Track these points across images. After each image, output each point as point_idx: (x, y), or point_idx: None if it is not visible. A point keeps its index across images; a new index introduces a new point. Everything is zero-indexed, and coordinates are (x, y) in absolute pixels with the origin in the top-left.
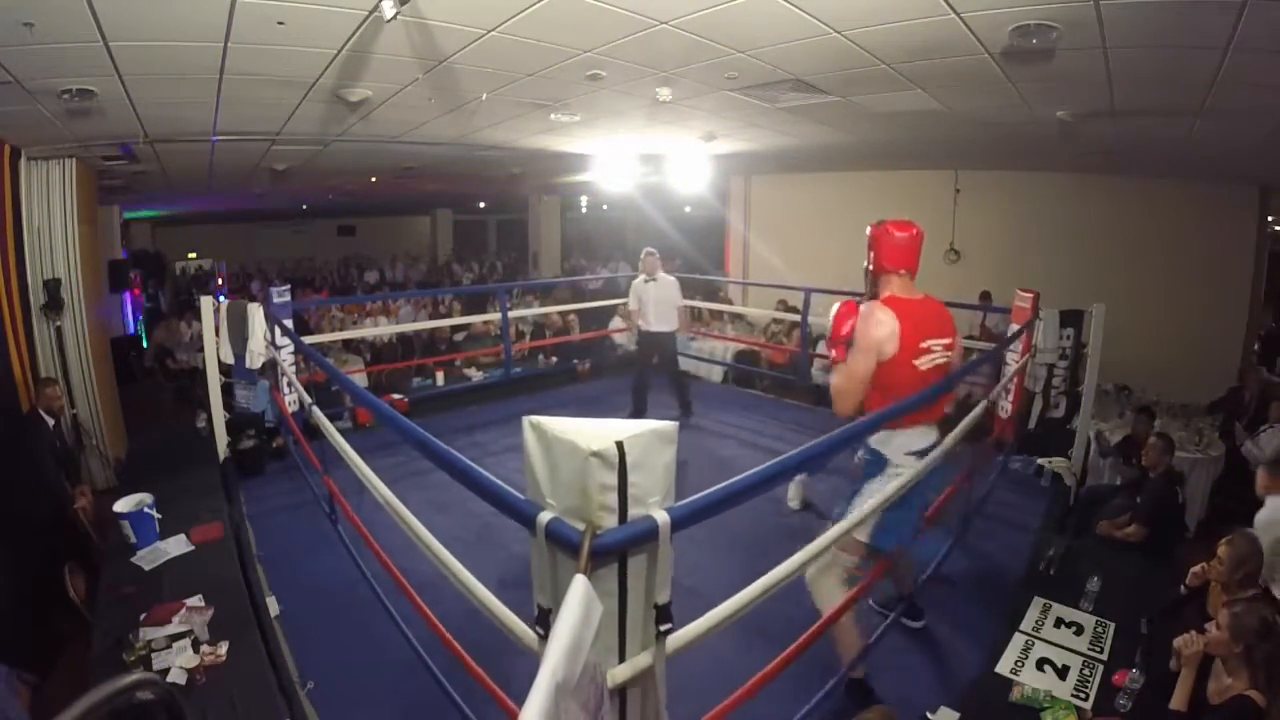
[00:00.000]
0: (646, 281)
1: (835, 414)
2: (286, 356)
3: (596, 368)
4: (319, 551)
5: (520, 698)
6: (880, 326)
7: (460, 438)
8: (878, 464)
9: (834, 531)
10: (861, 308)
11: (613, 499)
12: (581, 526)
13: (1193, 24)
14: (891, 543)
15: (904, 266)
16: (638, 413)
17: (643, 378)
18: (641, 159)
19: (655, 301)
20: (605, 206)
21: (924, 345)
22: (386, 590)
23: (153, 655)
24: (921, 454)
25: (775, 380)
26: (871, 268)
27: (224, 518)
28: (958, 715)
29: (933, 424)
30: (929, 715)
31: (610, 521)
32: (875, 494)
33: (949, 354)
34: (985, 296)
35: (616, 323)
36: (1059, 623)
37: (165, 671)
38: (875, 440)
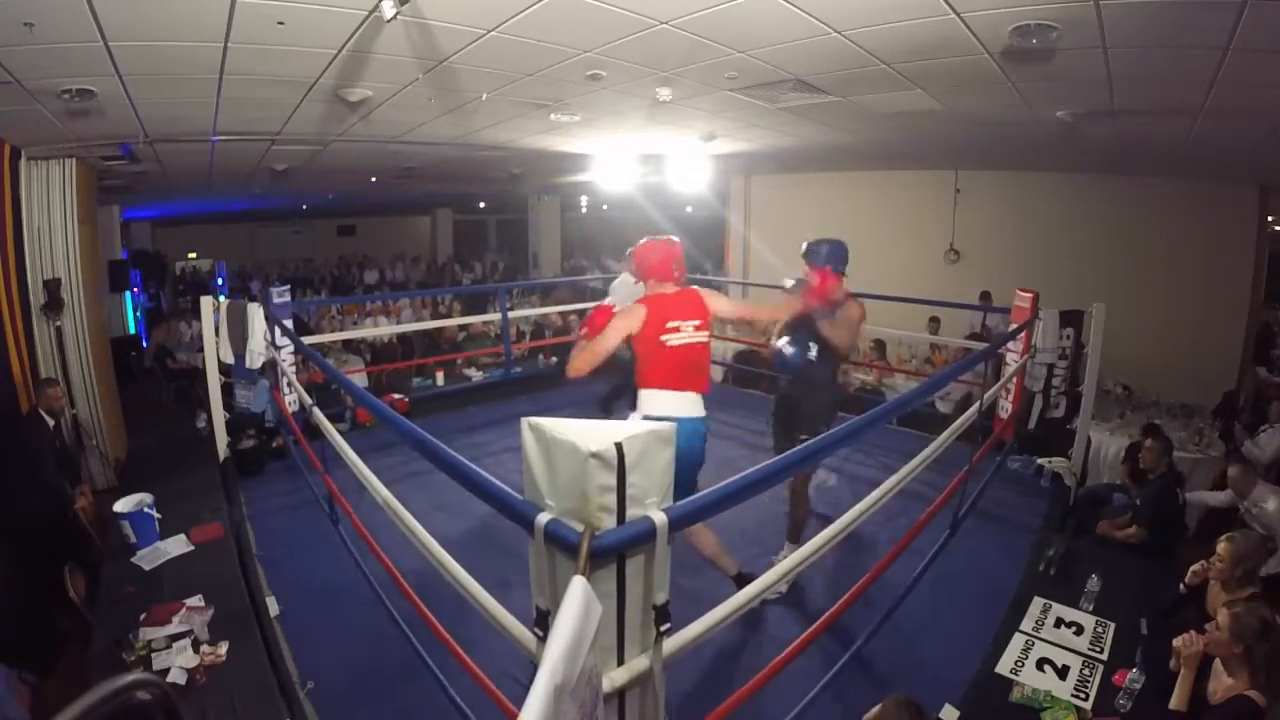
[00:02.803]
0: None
1: (567, 374)
2: (286, 356)
3: (596, 368)
4: (319, 551)
5: (519, 699)
6: (631, 317)
7: (460, 438)
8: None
9: None
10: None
11: (611, 500)
12: (580, 528)
13: (1193, 24)
14: None
15: (654, 277)
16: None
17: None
18: (641, 159)
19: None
20: (605, 206)
21: (670, 325)
22: (386, 590)
23: (153, 655)
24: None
25: (775, 380)
26: (637, 275)
27: (224, 518)
28: (957, 715)
29: (696, 395)
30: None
31: (609, 522)
32: None
33: (701, 333)
34: (985, 296)
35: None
36: (1059, 622)
37: (165, 671)
38: (639, 400)
